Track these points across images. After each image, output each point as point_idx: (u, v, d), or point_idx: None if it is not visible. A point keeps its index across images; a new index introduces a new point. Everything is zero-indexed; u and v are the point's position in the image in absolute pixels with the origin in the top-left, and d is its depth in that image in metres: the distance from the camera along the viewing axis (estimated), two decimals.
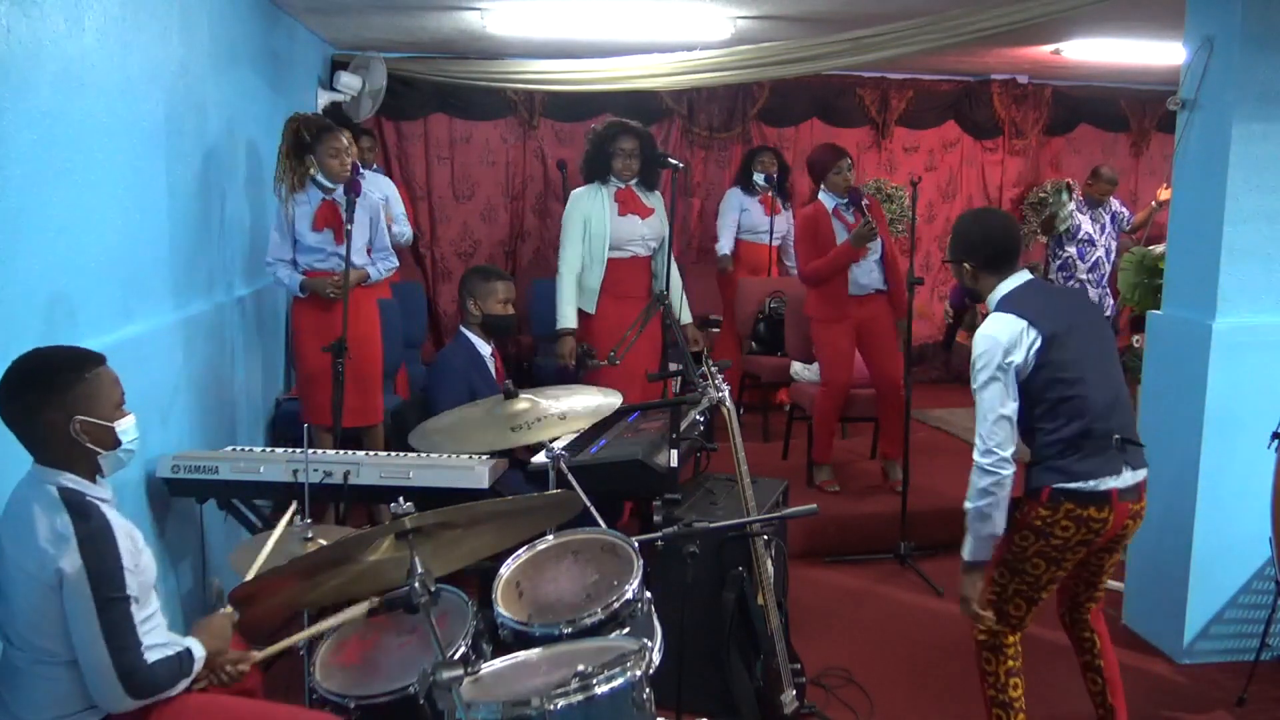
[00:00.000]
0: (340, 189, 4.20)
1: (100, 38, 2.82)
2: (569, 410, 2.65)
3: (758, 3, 4.95)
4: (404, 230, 5.92)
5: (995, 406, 2.68)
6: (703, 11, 5.16)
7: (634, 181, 4.67)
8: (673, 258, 4.78)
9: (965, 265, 2.85)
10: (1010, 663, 2.85)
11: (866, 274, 4.98)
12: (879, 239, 4.91)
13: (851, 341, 5.07)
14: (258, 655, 2.35)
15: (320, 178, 4.22)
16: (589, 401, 2.77)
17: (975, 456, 2.71)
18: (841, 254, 4.88)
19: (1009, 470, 2.68)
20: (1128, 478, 2.70)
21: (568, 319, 4.64)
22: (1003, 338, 2.67)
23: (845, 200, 4.95)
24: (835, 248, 4.90)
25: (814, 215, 5.02)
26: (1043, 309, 2.71)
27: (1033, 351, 2.66)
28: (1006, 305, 2.75)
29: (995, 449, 2.67)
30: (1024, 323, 2.67)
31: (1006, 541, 2.78)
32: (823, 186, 5.04)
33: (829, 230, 4.95)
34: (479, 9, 5.16)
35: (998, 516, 2.70)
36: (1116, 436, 2.69)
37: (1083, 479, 2.66)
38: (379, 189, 5.30)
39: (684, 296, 4.85)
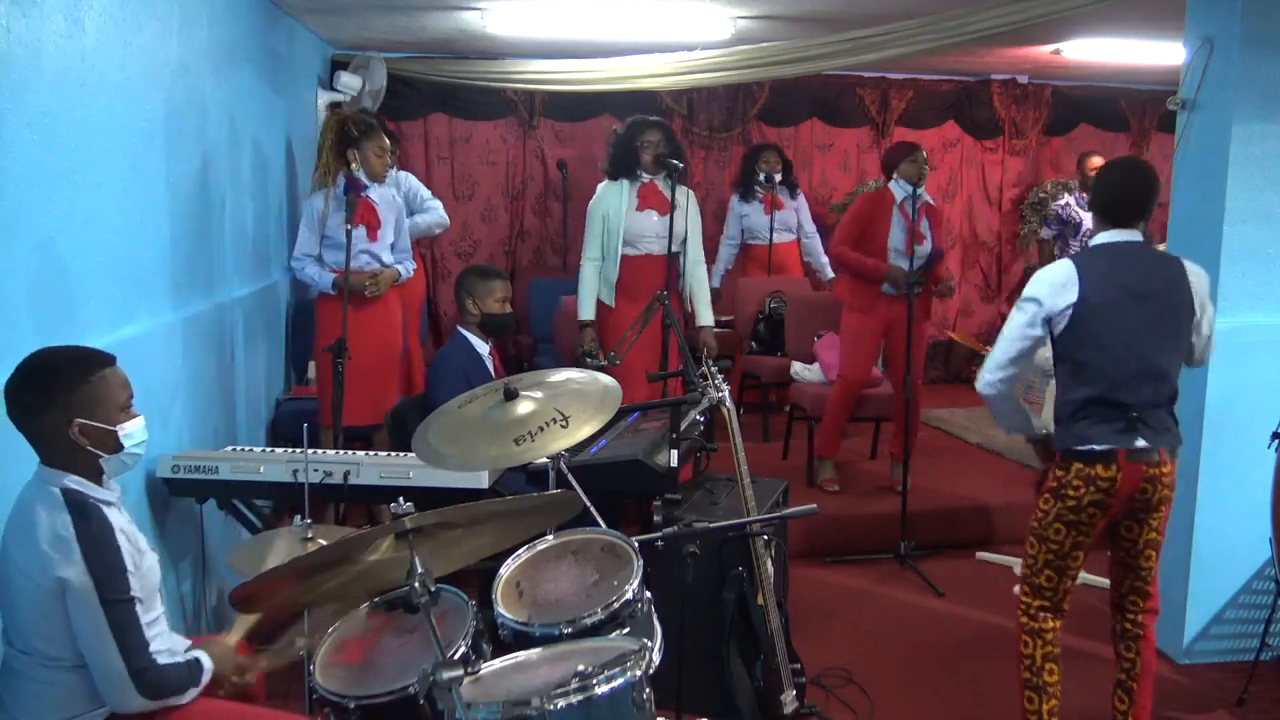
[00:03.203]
0: (372, 187, 4.34)
1: (100, 38, 2.82)
2: (571, 412, 2.64)
3: (758, 3, 4.95)
4: (435, 207, 5.49)
5: (1012, 339, 2.85)
6: (703, 11, 5.16)
7: (661, 175, 4.65)
8: (701, 258, 4.79)
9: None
10: (1049, 648, 2.91)
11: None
12: (930, 245, 4.91)
13: (878, 339, 5.06)
14: (265, 665, 2.35)
15: (361, 174, 4.29)
16: (586, 390, 2.73)
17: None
18: (872, 270, 4.90)
19: (1000, 390, 2.89)
20: (1140, 444, 2.74)
21: (586, 311, 4.67)
22: (1045, 281, 2.81)
23: (915, 191, 4.85)
24: (873, 261, 4.89)
25: (878, 199, 5.02)
26: (1103, 271, 2.78)
27: (1066, 304, 2.76)
28: (1078, 258, 2.84)
29: (990, 369, 2.89)
30: (1075, 274, 2.77)
31: (1035, 509, 2.89)
32: (895, 176, 4.98)
33: (886, 222, 4.92)
34: (479, 9, 5.16)
35: (1011, 419, 3.00)
36: (1133, 414, 2.73)
37: (1089, 442, 2.75)
38: (406, 183, 5.34)
39: (707, 297, 4.82)
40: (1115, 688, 3.00)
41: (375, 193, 4.41)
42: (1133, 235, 2.83)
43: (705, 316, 4.77)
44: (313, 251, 4.34)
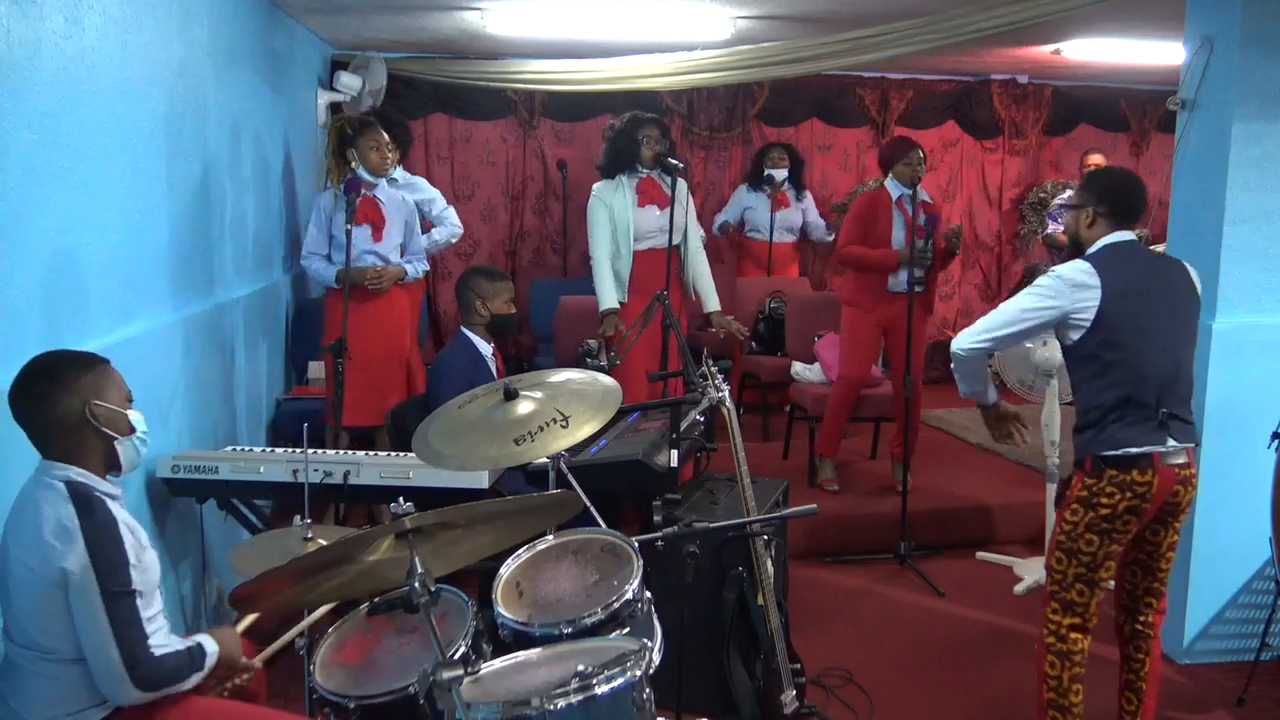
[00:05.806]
0: (381, 184, 4.40)
1: (100, 38, 2.82)
2: (571, 413, 2.64)
3: (758, 3, 4.95)
4: (449, 217, 5.44)
5: (1008, 315, 2.81)
6: (703, 11, 5.16)
7: (656, 171, 4.66)
8: (701, 247, 4.80)
9: (1087, 209, 2.86)
10: (1076, 669, 2.83)
11: (905, 274, 4.95)
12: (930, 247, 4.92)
13: (877, 337, 5.07)
14: (259, 662, 2.36)
15: (362, 172, 4.34)
16: (586, 390, 2.73)
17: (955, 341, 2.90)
18: (885, 259, 4.90)
19: (974, 354, 2.87)
20: (1171, 446, 2.70)
21: (608, 300, 4.61)
22: (1064, 280, 2.74)
23: (911, 192, 4.86)
24: (882, 249, 4.90)
25: (875, 199, 5.03)
26: (1120, 270, 2.74)
27: (1089, 304, 2.70)
28: (1092, 258, 2.79)
29: (973, 334, 2.85)
30: (1096, 279, 2.71)
31: (1059, 521, 2.81)
32: (890, 175, 5.02)
33: (887, 218, 4.94)
34: (479, 9, 5.16)
35: (973, 381, 2.95)
36: (1163, 410, 2.70)
37: (1123, 445, 2.68)
38: (420, 191, 5.35)
39: (712, 284, 4.86)
40: (1123, 688, 2.98)
41: (383, 193, 4.44)
42: (1134, 235, 2.84)
43: (713, 302, 4.82)
44: (321, 250, 4.42)
